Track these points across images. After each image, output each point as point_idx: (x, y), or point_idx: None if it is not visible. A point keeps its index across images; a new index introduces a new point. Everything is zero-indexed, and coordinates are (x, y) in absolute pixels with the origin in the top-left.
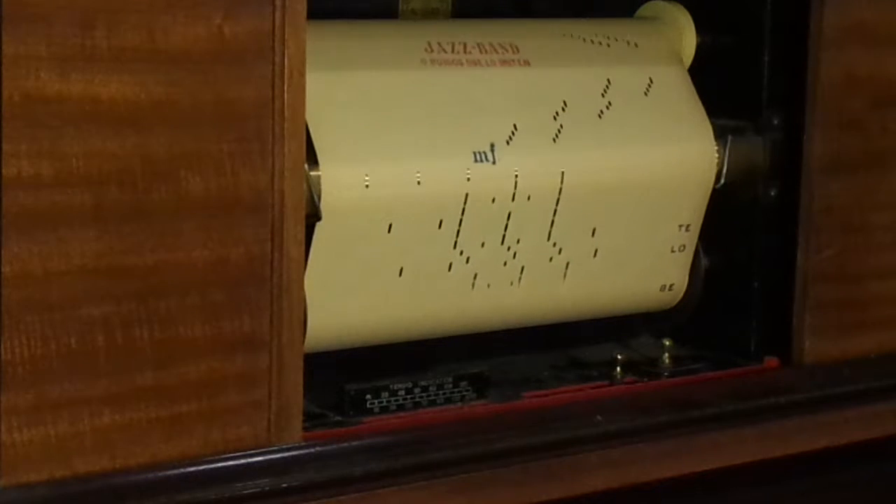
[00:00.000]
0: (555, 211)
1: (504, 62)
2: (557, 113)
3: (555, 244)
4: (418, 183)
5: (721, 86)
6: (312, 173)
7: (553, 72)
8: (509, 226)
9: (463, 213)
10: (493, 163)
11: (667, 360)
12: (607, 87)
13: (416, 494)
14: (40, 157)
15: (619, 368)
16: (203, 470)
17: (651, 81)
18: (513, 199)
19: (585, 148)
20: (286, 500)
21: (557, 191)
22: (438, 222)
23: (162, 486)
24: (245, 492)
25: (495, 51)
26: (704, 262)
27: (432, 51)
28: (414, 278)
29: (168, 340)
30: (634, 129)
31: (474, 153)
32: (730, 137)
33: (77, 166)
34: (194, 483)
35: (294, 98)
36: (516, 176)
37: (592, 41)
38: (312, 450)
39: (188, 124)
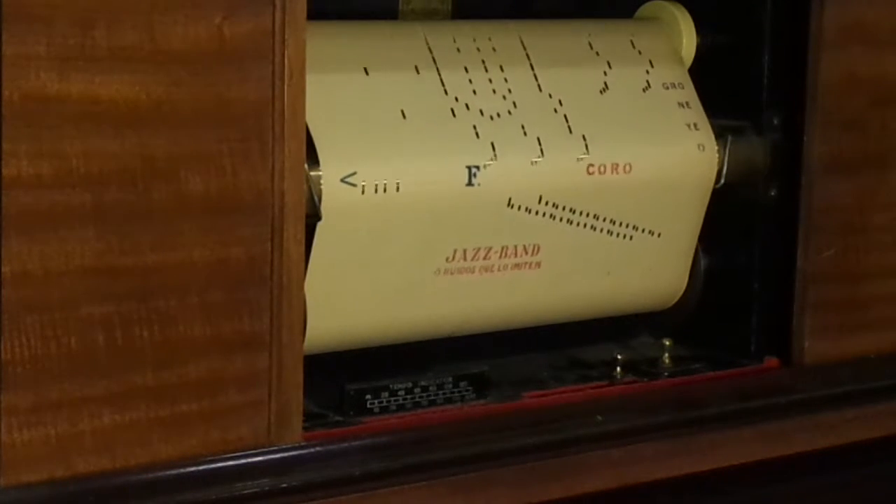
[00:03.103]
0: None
1: (516, 266)
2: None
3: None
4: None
5: (721, 86)
6: (312, 173)
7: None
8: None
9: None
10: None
11: (667, 360)
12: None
13: (416, 494)
14: (40, 157)
15: (619, 368)
16: (203, 470)
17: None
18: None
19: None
20: (286, 500)
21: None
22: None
23: (162, 486)
24: (245, 492)
25: (515, 254)
26: (704, 262)
27: (453, 259)
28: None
29: (168, 340)
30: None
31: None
32: (730, 137)
33: (77, 166)
34: (194, 483)
35: (294, 98)
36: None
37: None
38: (312, 450)
39: (188, 124)
